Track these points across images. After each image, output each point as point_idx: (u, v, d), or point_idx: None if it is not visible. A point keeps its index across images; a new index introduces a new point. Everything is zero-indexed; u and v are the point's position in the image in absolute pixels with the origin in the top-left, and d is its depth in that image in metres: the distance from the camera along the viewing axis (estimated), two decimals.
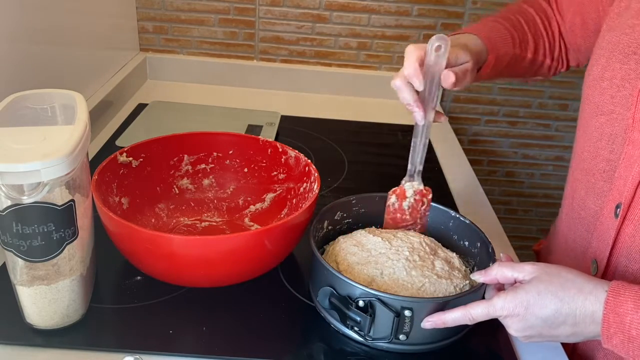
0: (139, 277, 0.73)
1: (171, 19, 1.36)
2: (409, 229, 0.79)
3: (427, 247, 0.73)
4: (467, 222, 0.76)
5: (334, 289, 0.65)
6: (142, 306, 0.69)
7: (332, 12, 1.35)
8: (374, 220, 0.80)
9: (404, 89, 0.69)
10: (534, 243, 1.68)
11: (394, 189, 0.77)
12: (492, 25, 0.83)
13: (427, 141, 0.73)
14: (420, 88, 0.68)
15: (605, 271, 0.69)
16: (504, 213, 1.64)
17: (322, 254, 0.75)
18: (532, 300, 0.59)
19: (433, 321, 0.62)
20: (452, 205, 0.97)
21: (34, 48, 0.91)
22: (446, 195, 1.00)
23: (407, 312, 0.62)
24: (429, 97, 0.70)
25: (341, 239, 0.76)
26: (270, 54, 1.41)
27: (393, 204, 0.78)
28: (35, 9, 0.90)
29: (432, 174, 1.07)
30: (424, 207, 0.78)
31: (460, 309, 0.62)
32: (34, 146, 0.56)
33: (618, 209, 0.66)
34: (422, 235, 0.76)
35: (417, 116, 0.70)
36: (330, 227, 0.78)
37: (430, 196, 0.77)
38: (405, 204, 0.77)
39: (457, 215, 0.77)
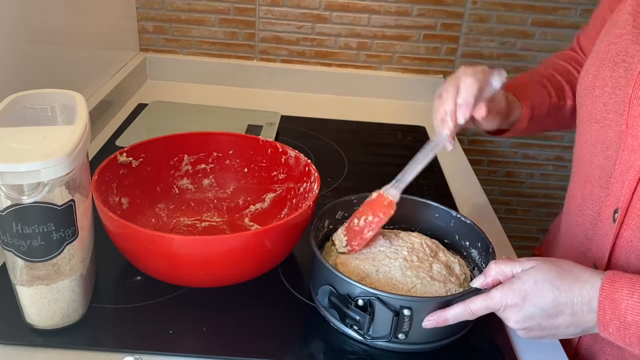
0: (139, 277, 0.73)
1: (171, 19, 1.36)
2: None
3: (427, 249, 0.73)
4: (469, 222, 0.76)
5: (333, 287, 0.65)
6: (142, 306, 0.69)
7: (332, 12, 1.35)
8: None
9: (448, 103, 0.68)
10: (534, 243, 1.69)
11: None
12: (519, 81, 0.84)
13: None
14: (462, 121, 0.67)
15: None
16: (504, 213, 1.64)
17: (323, 249, 0.75)
18: (529, 289, 0.59)
19: (434, 319, 0.62)
20: (452, 205, 0.97)
21: (34, 48, 0.91)
22: (446, 195, 1.00)
23: (406, 312, 0.62)
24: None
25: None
26: (270, 54, 1.41)
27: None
28: (35, 9, 0.90)
29: (432, 174, 1.07)
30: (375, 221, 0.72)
31: (459, 304, 0.62)
32: (34, 146, 0.56)
33: (616, 214, 0.67)
34: (424, 237, 0.76)
35: (445, 130, 0.68)
36: (331, 227, 0.78)
37: (387, 213, 0.71)
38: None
39: (458, 216, 0.77)
